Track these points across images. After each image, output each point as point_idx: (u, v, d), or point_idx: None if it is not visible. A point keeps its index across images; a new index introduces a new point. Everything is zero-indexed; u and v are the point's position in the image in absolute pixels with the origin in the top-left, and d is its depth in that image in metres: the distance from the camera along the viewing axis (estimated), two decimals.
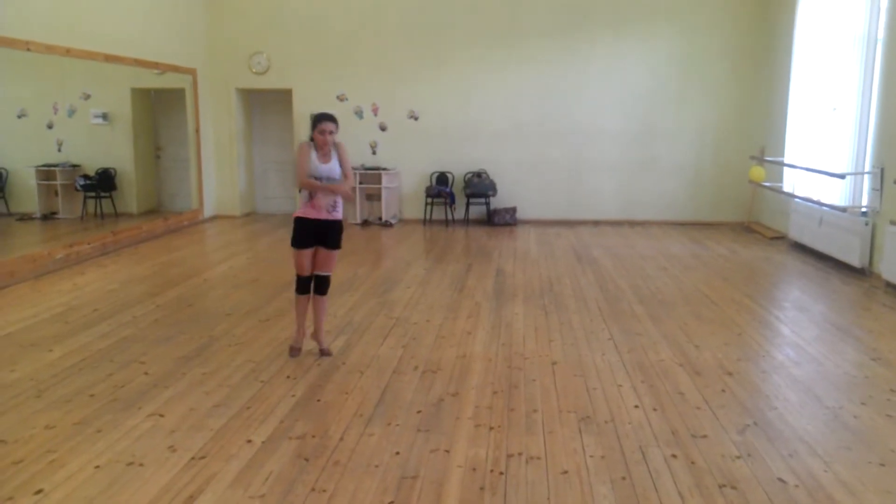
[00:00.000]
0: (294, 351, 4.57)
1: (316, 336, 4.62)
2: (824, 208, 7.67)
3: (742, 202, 10.28)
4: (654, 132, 10.32)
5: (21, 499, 2.80)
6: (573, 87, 10.33)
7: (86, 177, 8.96)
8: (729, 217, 10.39)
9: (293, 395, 3.88)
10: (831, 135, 7.93)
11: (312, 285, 4.59)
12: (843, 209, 7.32)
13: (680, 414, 3.66)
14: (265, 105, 11.28)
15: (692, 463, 3.12)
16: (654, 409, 3.71)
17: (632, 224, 10.38)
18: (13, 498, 2.81)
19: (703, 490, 2.89)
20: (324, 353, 4.56)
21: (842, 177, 7.33)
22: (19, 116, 8.44)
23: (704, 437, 3.39)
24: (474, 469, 3.07)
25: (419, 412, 3.67)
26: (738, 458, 3.17)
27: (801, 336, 5.03)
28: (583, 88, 10.32)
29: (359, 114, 10.70)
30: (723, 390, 3.99)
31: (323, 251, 4.58)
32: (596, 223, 10.45)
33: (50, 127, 8.69)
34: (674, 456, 3.19)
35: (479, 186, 10.28)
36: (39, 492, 2.86)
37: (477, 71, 10.41)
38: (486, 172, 10.43)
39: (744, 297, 6.13)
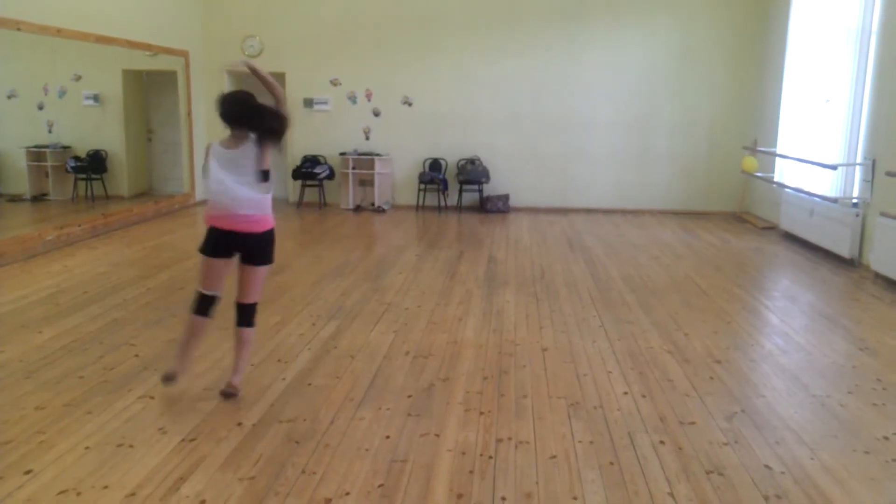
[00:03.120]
0: (169, 378, 3.62)
1: (233, 374, 3.62)
2: (815, 199, 7.70)
3: (734, 192, 10.32)
4: (648, 121, 10.32)
5: (11, 478, 2.80)
6: (568, 75, 10.31)
7: (77, 158, 8.90)
8: (721, 207, 10.42)
9: (284, 379, 3.88)
10: (824, 126, 7.96)
11: (234, 314, 3.61)
12: (834, 200, 7.35)
13: (668, 401, 3.68)
14: (258, 89, 11.17)
15: (680, 449, 3.15)
16: (643, 396, 3.74)
17: (624, 213, 10.40)
18: (3, 477, 2.81)
19: (691, 476, 2.92)
20: (229, 393, 3.56)
21: (833, 168, 7.36)
22: (9, 97, 8.36)
23: (692, 423, 3.42)
24: (464, 453, 3.09)
25: (410, 397, 3.69)
26: (726, 444, 3.20)
27: (789, 325, 5.07)
28: (578, 76, 10.30)
29: (352, 99, 10.65)
30: (711, 378, 4.02)
31: (246, 269, 3.53)
32: (588, 211, 10.47)
33: (41, 108, 8.62)
34: (662, 442, 3.21)
35: (473, 173, 10.27)
36: (29, 472, 2.86)
37: (472, 57, 10.37)
38: (479, 159, 10.42)
39: (734, 286, 6.17)
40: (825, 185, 7.77)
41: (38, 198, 8.73)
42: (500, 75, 10.38)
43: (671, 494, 2.77)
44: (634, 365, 4.21)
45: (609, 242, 8.12)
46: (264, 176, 3.49)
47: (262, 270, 3.61)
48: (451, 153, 10.60)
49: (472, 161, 10.38)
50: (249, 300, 3.61)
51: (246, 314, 3.62)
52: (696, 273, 6.63)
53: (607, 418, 3.46)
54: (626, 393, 3.78)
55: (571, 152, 10.50)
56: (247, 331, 3.63)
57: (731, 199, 10.36)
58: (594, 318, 5.16)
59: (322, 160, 10.59)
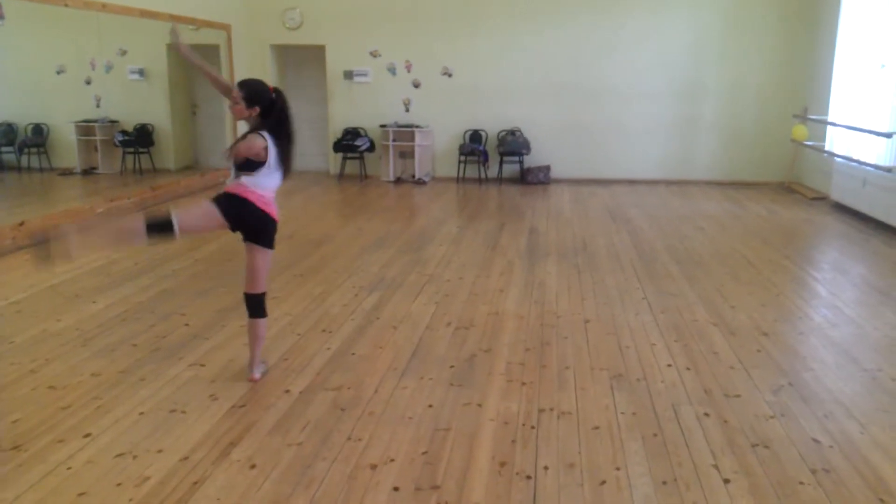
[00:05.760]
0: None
1: (251, 360, 3.58)
2: (868, 168, 7.46)
3: (783, 162, 10.04)
4: (693, 90, 10.07)
5: (71, 441, 2.92)
6: (611, 44, 10.09)
7: (124, 132, 9.08)
8: (769, 177, 10.16)
9: (329, 348, 3.95)
10: (878, 92, 7.67)
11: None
12: (889, 169, 7.11)
13: (713, 373, 3.65)
14: (298, 61, 11.23)
15: (725, 422, 3.12)
16: (688, 369, 3.71)
17: (668, 183, 10.22)
18: (64, 440, 2.93)
19: (736, 448, 2.89)
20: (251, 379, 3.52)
21: (889, 136, 7.11)
22: (58, 72, 8.55)
23: (738, 396, 3.38)
24: (506, 423, 3.11)
25: (452, 367, 3.72)
26: (772, 417, 3.16)
27: (839, 298, 4.95)
28: (621, 45, 10.08)
29: (392, 70, 10.62)
30: (758, 351, 3.96)
31: (249, 248, 3.48)
32: (631, 183, 10.31)
33: (88, 83, 8.80)
34: (706, 414, 3.19)
35: (513, 145, 10.18)
36: (88, 435, 2.97)
37: (512, 27, 10.22)
38: (519, 131, 10.32)
39: (782, 258, 6.04)
40: (879, 153, 7.52)
41: (88, 171, 8.96)
42: (541, 45, 10.21)
43: (715, 466, 2.76)
44: (679, 337, 4.17)
45: (652, 214, 8.00)
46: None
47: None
48: (492, 125, 10.52)
49: (512, 132, 10.30)
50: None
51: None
52: (743, 245, 6.50)
53: (651, 390, 3.45)
54: (669, 365, 3.76)
55: (613, 123, 10.32)
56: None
57: (779, 169, 10.09)
58: (637, 289, 5.11)
59: (362, 132, 10.62)
